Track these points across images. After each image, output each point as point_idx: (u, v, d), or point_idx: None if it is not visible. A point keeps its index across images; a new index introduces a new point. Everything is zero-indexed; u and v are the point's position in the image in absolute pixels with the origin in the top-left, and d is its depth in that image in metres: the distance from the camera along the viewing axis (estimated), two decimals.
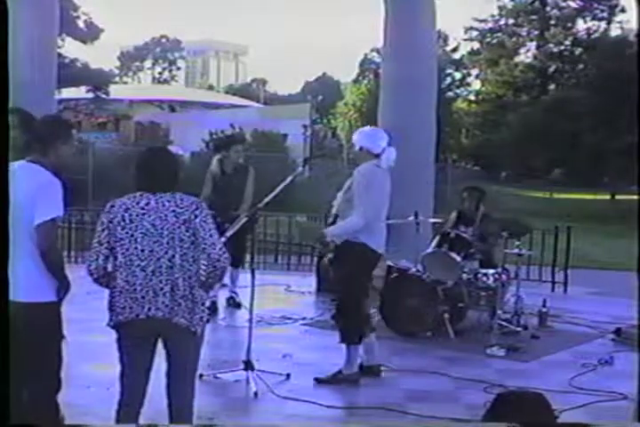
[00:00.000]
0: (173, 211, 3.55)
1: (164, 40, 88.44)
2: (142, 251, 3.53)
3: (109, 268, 3.64)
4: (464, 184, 11.04)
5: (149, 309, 3.53)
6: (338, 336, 5.56)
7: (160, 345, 3.69)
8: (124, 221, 3.55)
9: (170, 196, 3.59)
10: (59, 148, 3.72)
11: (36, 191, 3.55)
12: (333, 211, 5.57)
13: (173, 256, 3.54)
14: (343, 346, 5.53)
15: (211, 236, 3.55)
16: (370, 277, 5.74)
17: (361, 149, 5.52)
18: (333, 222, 5.51)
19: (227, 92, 68.85)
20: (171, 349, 3.64)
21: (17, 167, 3.62)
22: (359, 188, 5.35)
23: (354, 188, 5.39)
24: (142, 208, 3.56)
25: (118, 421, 3.67)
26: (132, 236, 3.54)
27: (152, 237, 3.54)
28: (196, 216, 3.55)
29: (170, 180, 3.64)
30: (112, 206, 3.61)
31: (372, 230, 5.38)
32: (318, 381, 5.51)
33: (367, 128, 5.86)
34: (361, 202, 5.30)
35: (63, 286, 3.63)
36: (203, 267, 3.61)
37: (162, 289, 3.52)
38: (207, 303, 3.79)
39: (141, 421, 3.70)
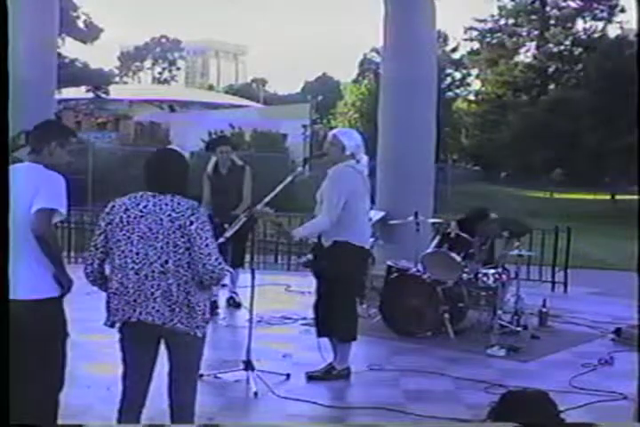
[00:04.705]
0: (169, 215, 3.49)
1: (163, 40, 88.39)
2: (137, 254, 3.51)
3: (107, 269, 3.63)
4: (464, 184, 11.02)
5: (140, 313, 3.51)
6: (317, 332, 5.66)
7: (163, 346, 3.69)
8: (121, 222, 3.53)
9: (169, 199, 3.54)
10: (53, 150, 3.71)
11: (38, 186, 3.55)
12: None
13: (166, 262, 3.49)
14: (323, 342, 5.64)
15: (206, 245, 3.48)
16: (361, 275, 5.86)
17: (343, 149, 5.48)
18: None
19: (226, 92, 68.73)
20: (172, 351, 3.63)
21: (19, 167, 3.63)
22: (327, 188, 5.46)
23: (322, 188, 5.49)
24: (140, 211, 3.53)
25: (120, 420, 3.67)
26: (128, 238, 3.52)
27: (147, 240, 3.50)
28: (191, 222, 3.48)
29: (175, 181, 3.60)
30: (113, 207, 3.60)
31: (353, 229, 5.46)
32: (310, 377, 5.54)
33: (353, 131, 5.84)
34: (328, 202, 5.40)
35: (65, 280, 3.61)
36: (198, 273, 3.52)
37: (152, 294, 3.49)
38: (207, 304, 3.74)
39: (142, 420, 3.70)
